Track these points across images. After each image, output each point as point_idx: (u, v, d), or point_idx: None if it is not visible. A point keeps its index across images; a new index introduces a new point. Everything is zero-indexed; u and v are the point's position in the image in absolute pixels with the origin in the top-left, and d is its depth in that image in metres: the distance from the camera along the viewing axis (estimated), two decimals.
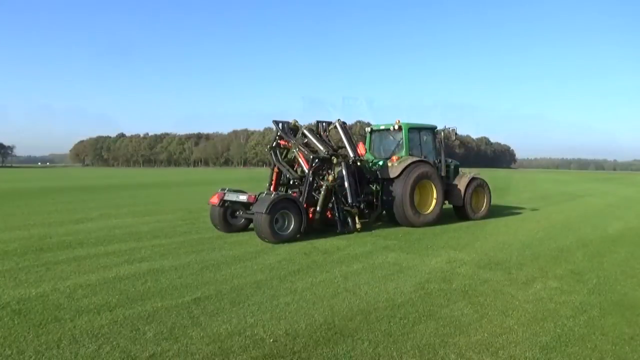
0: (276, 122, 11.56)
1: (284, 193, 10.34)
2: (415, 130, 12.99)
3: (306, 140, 11.34)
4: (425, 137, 13.36)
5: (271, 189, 11.60)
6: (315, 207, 10.62)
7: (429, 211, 12.38)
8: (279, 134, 11.57)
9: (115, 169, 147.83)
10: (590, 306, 5.65)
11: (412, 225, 11.94)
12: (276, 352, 4.23)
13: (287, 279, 6.84)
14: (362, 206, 12.01)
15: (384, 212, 12.44)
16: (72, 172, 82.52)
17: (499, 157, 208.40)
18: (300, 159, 11.05)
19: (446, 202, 13.59)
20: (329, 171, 10.87)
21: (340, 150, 11.38)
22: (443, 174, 13.40)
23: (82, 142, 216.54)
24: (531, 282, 6.76)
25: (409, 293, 6.14)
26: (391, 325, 4.93)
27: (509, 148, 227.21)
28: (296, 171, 11.42)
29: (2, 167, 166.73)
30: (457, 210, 13.83)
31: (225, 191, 10.69)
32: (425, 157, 12.80)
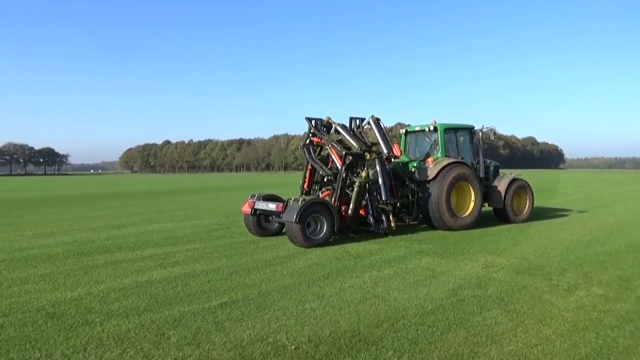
0: (309, 119, 11.49)
1: (312, 197, 10.24)
2: (451, 130, 12.63)
3: (340, 137, 11.23)
4: (462, 138, 12.98)
5: (304, 186, 11.59)
6: (348, 205, 10.49)
7: (466, 214, 11.99)
8: (312, 131, 11.50)
9: (162, 175, 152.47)
10: (638, 315, 5.25)
11: (450, 229, 11.59)
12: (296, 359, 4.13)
13: (315, 283, 6.73)
14: (397, 206, 11.82)
15: (420, 215, 12.14)
16: (121, 179, 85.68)
17: (546, 157, 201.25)
18: (333, 156, 10.93)
19: (486, 204, 13.15)
20: (362, 168, 10.71)
21: (374, 147, 11.19)
22: (482, 175, 12.97)
23: (130, 149, 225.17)
24: (573, 288, 6.37)
25: (440, 299, 5.91)
26: (419, 334, 4.73)
27: (557, 148, 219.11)
28: (330, 169, 11.29)
29: (57, 174, 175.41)
30: (497, 213, 13.34)
31: (255, 199, 10.67)
32: (462, 159, 12.42)
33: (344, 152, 10.49)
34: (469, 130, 13.08)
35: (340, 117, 11.61)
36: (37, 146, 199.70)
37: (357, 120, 11.60)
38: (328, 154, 11.34)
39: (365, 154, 10.63)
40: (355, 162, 10.81)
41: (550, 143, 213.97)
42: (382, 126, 11.53)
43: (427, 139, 12.99)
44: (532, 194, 13.62)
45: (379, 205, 10.89)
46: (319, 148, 11.72)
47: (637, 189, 32.69)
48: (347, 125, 11.57)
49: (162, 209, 19.99)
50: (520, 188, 13.26)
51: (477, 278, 6.96)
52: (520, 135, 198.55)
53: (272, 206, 10.09)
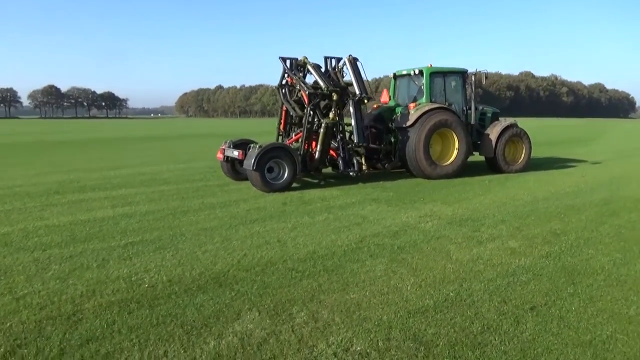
0: (283, 59, 11.19)
1: (270, 142, 10.12)
2: (439, 75, 11.97)
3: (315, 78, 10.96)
4: (453, 83, 12.29)
5: (280, 128, 11.58)
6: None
7: (448, 162, 11.54)
8: (286, 71, 11.25)
9: (213, 119, 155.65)
10: (525, 270, 4.99)
11: (428, 177, 11.25)
12: (136, 298, 4.27)
13: (236, 227, 6.82)
14: (381, 151, 11.64)
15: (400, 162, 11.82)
16: (170, 123, 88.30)
17: (615, 105, 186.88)
18: (303, 96, 10.72)
19: (475, 153, 12.63)
20: (334, 109, 10.46)
21: (350, 88, 10.85)
22: (473, 122, 12.34)
23: (185, 94, 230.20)
24: (489, 241, 6.11)
25: (340, 247, 5.85)
26: (279, 278, 4.75)
27: (628, 95, 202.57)
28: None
29: (117, 117, 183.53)
30: (489, 163, 12.75)
31: (226, 145, 10.73)
32: (449, 104, 11.83)
33: (307, 93, 10.25)
34: (461, 74, 12.34)
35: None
36: (99, 90, 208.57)
37: (333, 60, 11.18)
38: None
39: (333, 94, 10.32)
40: (328, 103, 10.57)
41: (620, 90, 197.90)
42: (359, 66, 11.02)
43: (415, 83, 12.42)
44: (530, 142, 12.82)
45: (354, 148, 10.70)
46: (297, 89, 11.49)
47: None
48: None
49: (175, 152, 20.69)
50: (515, 136, 12.51)
51: (401, 227, 6.80)
52: (588, 81, 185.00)
53: (235, 153, 10.15)
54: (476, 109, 12.49)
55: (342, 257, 5.45)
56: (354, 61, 10.94)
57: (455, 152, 11.55)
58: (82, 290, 4.47)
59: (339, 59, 11.15)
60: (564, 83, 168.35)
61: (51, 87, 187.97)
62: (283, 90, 11.34)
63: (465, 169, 12.08)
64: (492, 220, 7.24)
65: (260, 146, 9.52)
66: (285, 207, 8.27)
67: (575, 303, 4.18)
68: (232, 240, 6.16)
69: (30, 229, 6.77)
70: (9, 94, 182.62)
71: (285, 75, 11.24)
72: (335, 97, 10.30)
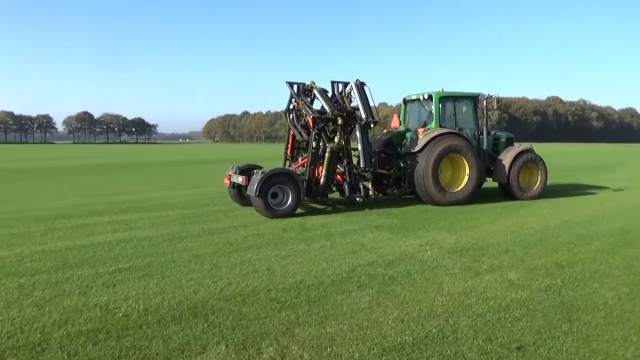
0: (290, 84, 11.21)
1: (273, 168, 10.01)
2: (449, 99, 11.78)
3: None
4: (464, 108, 12.08)
5: (287, 152, 11.53)
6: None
7: (458, 189, 11.23)
8: (293, 96, 11.24)
9: (239, 144, 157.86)
10: (519, 305, 4.69)
11: (438, 204, 10.95)
12: (106, 328, 4.16)
13: (228, 254, 6.70)
14: (391, 177, 11.48)
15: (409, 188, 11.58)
16: (195, 148, 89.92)
17: None
18: (309, 121, 10.66)
19: (489, 179, 12.31)
20: (339, 133, 10.36)
21: (357, 112, 10.76)
22: (485, 147, 12.05)
23: (212, 120, 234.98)
24: (488, 272, 5.81)
25: (329, 276, 5.65)
26: (257, 309, 4.58)
27: None
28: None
29: (147, 143, 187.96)
30: (502, 189, 12.36)
31: (232, 171, 10.74)
32: (460, 129, 11.59)
33: (312, 117, 10.20)
34: (472, 99, 12.12)
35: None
36: (130, 116, 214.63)
37: (340, 85, 11.14)
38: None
39: (338, 118, 10.22)
40: (334, 127, 10.49)
41: None
42: (367, 91, 10.90)
43: (425, 108, 12.25)
44: (545, 169, 12.41)
45: (361, 173, 10.56)
46: (304, 114, 11.45)
47: None
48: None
49: (193, 177, 20.88)
50: (529, 162, 12.13)
51: (398, 256, 6.56)
52: (618, 106, 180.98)
53: (239, 179, 10.13)
54: (489, 133, 12.22)
55: (329, 287, 5.26)
56: (360, 86, 10.86)
57: (466, 178, 11.24)
58: (55, 318, 4.39)
59: (346, 84, 11.11)
60: (593, 108, 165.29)
61: (85, 113, 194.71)
62: (290, 115, 11.34)
63: (477, 196, 11.77)
64: (495, 249, 6.93)
65: (263, 172, 9.46)
66: (284, 233, 8.12)
67: (568, 343, 3.87)
68: (221, 267, 6.03)
69: (26, 253, 6.80)
70: (44, 120, 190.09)
71: (293, 100, 11.26)
72: (340, 121, 10.22)
